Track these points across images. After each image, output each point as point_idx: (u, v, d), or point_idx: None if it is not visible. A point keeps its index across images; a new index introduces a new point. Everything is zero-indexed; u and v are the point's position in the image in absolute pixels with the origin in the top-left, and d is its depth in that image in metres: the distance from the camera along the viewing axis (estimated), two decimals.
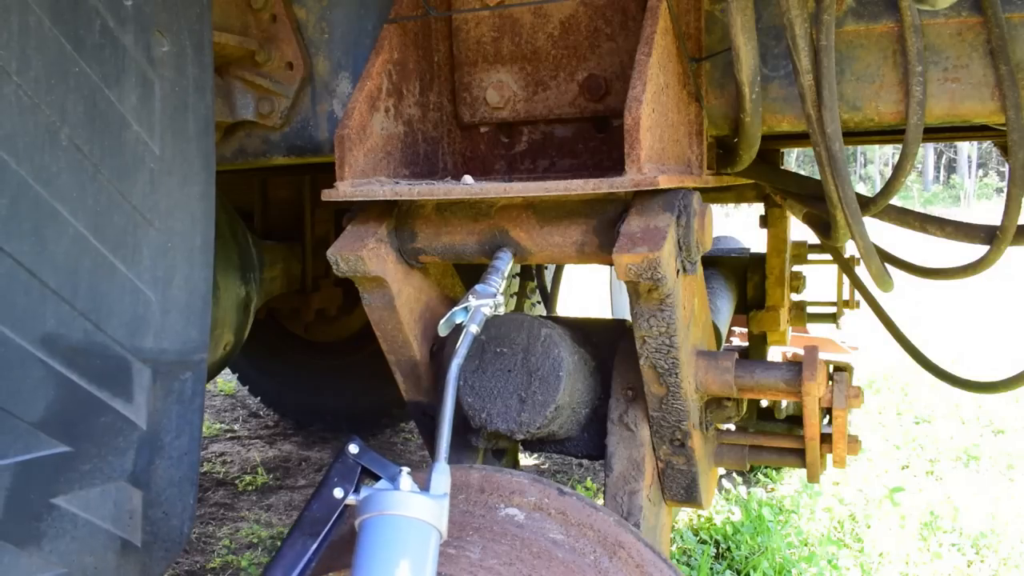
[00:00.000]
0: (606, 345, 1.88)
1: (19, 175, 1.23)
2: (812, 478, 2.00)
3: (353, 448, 1.23)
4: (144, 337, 1.45)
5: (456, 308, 1.48)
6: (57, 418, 1.32)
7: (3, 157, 1.21)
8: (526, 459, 4.95)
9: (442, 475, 1.23)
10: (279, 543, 3.95)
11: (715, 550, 3.77)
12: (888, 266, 2.08)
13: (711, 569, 3.55)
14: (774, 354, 3.74)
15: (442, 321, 1.51)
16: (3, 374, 1.24)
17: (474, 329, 1.46)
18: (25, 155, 1.23)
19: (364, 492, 1.19)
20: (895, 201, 2.02)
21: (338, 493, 1.20)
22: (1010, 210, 1.75)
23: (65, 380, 1.32)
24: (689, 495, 1.84)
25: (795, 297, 3.70)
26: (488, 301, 1.49)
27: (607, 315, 5.89)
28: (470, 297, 1.49)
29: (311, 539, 1.18)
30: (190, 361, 1.55)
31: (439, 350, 1.86)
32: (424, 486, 1.21)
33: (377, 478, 1.22)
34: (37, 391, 1.29)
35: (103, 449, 1.39)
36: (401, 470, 1.21)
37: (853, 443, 1.91)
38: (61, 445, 1.33)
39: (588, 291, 9.33)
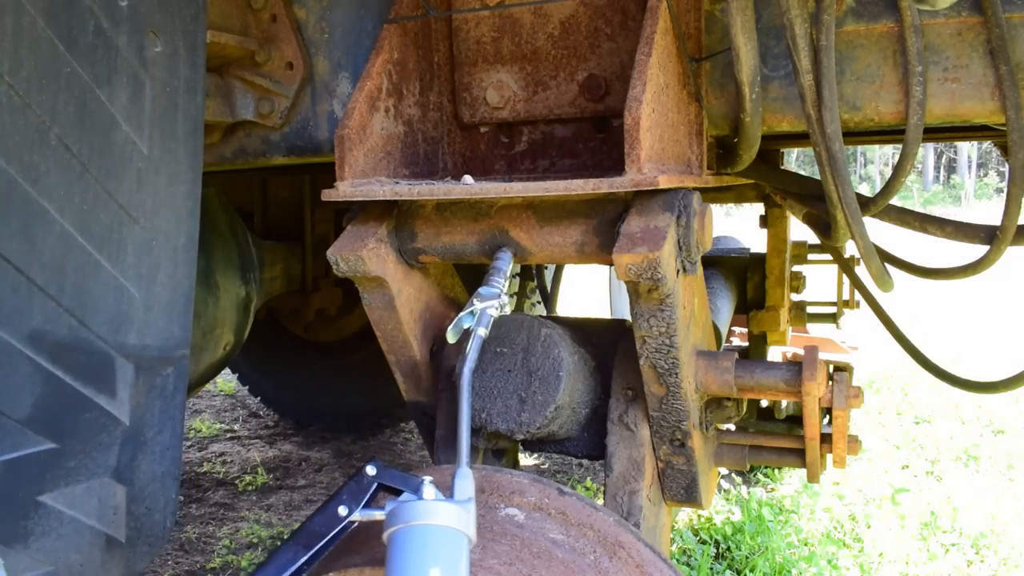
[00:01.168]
0: (606, 345, 1.88)
1: (8, 173, 1.24)
2: (812, 478, 2.00)
3: (371, 470, 1.22)
4: (127, 333, 1.46)
5: (462, 313, 1.48)
6: (43, 415, 1.32)
7: None
8: (526, 459, 4.94)
9: (466, 480, 1.22)
10: (279, 543, 3.95)
11: (715, 550, 3.77)
12: (888, 266, 2.08)
13: (711, 569, 3.55)
14: (774, 354, 3.74)
15: (449, 328, 1.50)
16: None
17: (482, 332, 1.45)
18: (15, 154, 1.24)
19: (389, 506, 1.17)
20: (895, 201, 2.02)
21: (342, 511, 1.19)
22: (1010, 210, 1.75)
23: (51, 377, 1.33)
24: (689, 495, 1.84)
25: (795, 297, 3.70)
26: (493, 302, 1.49)
27: (607, 315, 5.89)
28: (475, 300, 1.49)
29: (303, 550, 1.18)
30: (172, 357, 1.56)
31: (439, 350, 1.86)
32: (448, 492, 1.20)
33: (399, 492, 1.21)
34: (24, 388, 1.29)
35: (88, 445, 1.40)
36: (423, 480, 1.19)
37: (853, 443, 1.91)
38: (47, 442, 1.33)
39: (588, 291, 9.32)
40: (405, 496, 1.19)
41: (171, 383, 1.55)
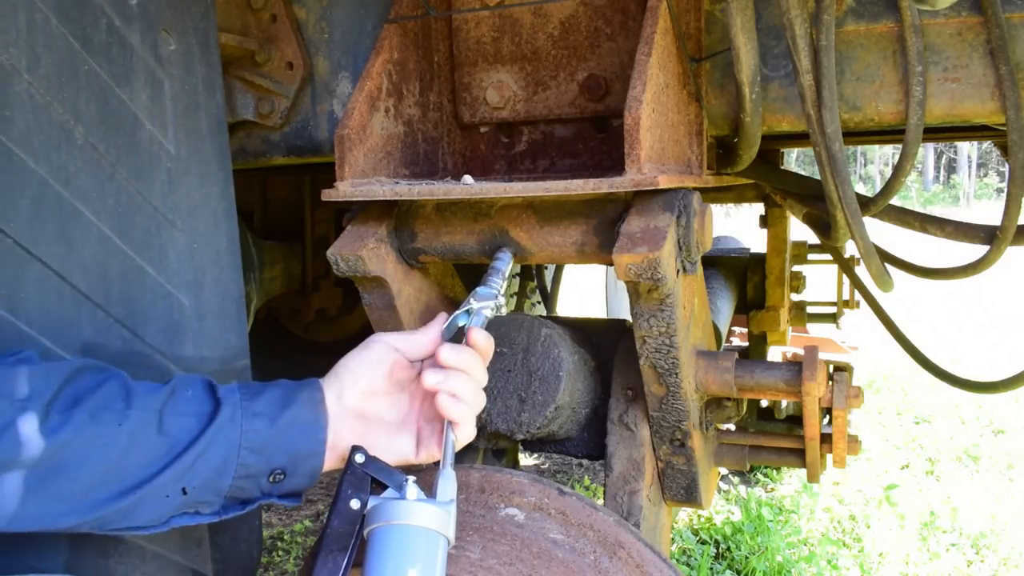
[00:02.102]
0: (606, 345, 1.88)
1: (38, 174, 1.19)
2: (812, 478, 2.00)
3: (359, 457, 1.22)
4: (183, 344, 1.39)
5: (458, 312, 1.47)
6: None
7: (20, 156, 1.18)
8: (526, 459, 4.94)
9: (448, 481, 1.23)
10: (279, 543, 3.93)
11: (715, 550, 3.77)
12: (888, 266, 2.09)
13: (711, 569, 3.55)
14: (774, 354, 3.74)
15: (444, 326, 1.50)
16: None
17: None
18: (42, 153, 1.20)
19: (372, 502, 1.18)
20: (895, 201, 2.02)
21: (355, 504, 1.18)
22: (1010, 210, 1.75)
23: None
24: (689, 495, 1.84)
25: (795, 297, 3.71)
26: (490, 303, 1.48)
27: (603, 315, 5.89)
28: (471, 300, 1.48)
29: (340, 555, 1.16)
30: (233, 369, 1.48)
31: None
32: (430, 492, 1.21)
33: (384, 486, 1.21)
34: None
35: None
36: (407, 479, 1.20)
37: (853, 443, 1.91)
38: None
39: (588, 291, 9.32)
40: (388, 492, 1.20)
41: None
